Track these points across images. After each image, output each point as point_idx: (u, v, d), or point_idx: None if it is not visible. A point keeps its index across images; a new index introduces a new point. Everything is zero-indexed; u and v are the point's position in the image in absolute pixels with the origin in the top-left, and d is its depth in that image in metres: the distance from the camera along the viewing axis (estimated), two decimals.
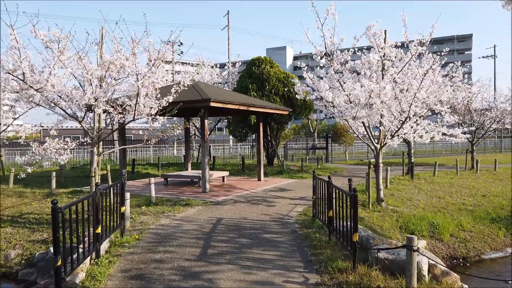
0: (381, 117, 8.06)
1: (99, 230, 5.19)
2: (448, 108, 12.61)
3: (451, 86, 10.59)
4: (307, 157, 22.21)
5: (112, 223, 6.02)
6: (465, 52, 72.25)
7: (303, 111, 17.21)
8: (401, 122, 7.91)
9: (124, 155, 12.68)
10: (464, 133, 10.86)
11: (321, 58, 8.33)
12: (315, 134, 35.08)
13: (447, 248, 7.83)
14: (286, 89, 16.93)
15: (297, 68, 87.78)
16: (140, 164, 20.53)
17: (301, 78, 11.43)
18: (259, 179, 13.79)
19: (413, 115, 7.88)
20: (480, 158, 25.93)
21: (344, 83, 8.35)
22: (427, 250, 7.20)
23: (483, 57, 48.07)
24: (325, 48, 8.29)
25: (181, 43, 47.03)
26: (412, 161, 14.61)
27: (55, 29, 7.10)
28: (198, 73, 17.65)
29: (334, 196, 5.91)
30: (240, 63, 20.55)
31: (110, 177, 8.64)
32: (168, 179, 13.25)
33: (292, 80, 16.77)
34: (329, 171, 17.30)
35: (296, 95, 10.52)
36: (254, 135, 24.67)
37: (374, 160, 9.85)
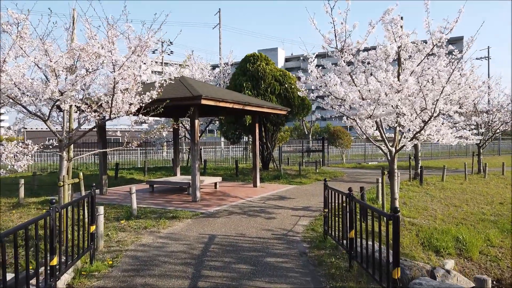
0: (397, 116, 6.95)
1: (55, 262, 3.94)
2: (459, 108, 11.62)
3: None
4: (304, 161, 21.07)
5: (78, 246, 4.78)
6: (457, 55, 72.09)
7: (301, 111, 16.09)
8: (423, 121, 6.79)
9: (104, 159, 11.39)
10: (475, 134, 9.82)
11: (333, 53, 7.19)
12: (310, 136, 34.00)
13: (479, 268, 6.72)
14: (282, 88, 15.78)
15: (289, 69, 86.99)
16: (125, 168, 19.16)
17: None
18: (255, 185, 12.59)
19: (438, 113, 6.77)
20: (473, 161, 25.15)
21: (352, 79, 7.24)
22: (457, 272, 6.10)
23: (476, 58, 47.66)
24: (335, 36, 7.14)
25: (171, 43, 45.80)
26: (421, 165, 13.53)
27: (12, 10, 5.85)
28: (186, 64, 16.29)
29: (355, 212, 4.75)
30: (232, 61, 19.32)
31: (83, 186, 7.39)
32: (154, 186, 11.97)
33: (294, 75, 15.66)
34: (328, 175, 16.19)
35: (298, 92, 9.35)
36: (246, 137, 23.46)
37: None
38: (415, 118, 6.88)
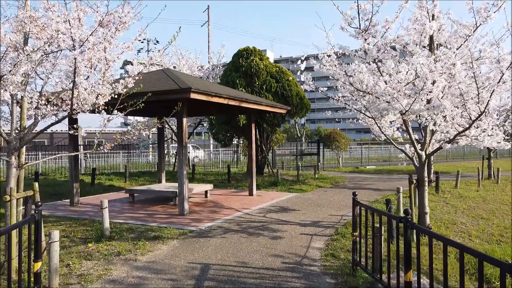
0: (441, 112, 5.59)
1: None
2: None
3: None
4: (300, 164, 19.67)
5: None
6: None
7: (300, 110, 14.69)
8: (470, 118, 5.44)
9: (76, 164, 9.75)
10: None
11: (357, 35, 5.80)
12: (303, 139, 32.71)
13: None
14: (279, 85, 14.36)
15: None
16: (104, 173, 17.44)
17: None
18: (251, 194, 11.11)
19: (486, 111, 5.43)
20: (477, 164, 24.10)
21: (378, 68, 5.88)
22: None
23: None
24: (358, 14, 5.76)
25: (157, 41, 44.05)
26: (435, 170, 12.23)
27: None
28: (174, 39, 14.62)
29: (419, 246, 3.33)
30: (223, 55, 17.86)
31: (38, 199, 5.84)
32: (135, 195, 10.37)
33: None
34: (329, 181, 14.82)
35: (304, 86, 7.92)
36: (237, 140, 21.97)
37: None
38: (460, 114, 5.53)
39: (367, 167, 22.80)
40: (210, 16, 33.44)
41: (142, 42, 47.08)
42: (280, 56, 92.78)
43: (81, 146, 18.39)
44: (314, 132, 55.94)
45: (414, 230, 3.58)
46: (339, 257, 5.39)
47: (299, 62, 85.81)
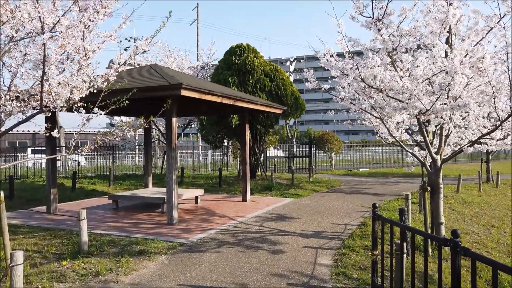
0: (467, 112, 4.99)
1: None
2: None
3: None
4: (293, 167, 19.04)
5: None
6: None
7: (295, 111, 14.05)
8: (499, 119, 4.85)
9: (53, 168, 8.89)
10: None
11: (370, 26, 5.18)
12: (294, 141, 32.14)
13: None
14: (273, 84, 13.70)
15: None
16: (87, 176, 16.49)
17: None
18: (245, 200, 10.40)
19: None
20: (470, 167, 23.92)
21: (392, 62, 5.28)
22: None
23: None
24: (372, 1, 5.13)
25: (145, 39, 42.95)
26: None
27: None
28: (163, 25, 13.78)
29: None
30: (214, 52, 17.11)
31: (4, 212, 5.00)
32: (119, 201, 9.54)
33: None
34: (324, 184, 14.20)
35: (306, 83, 7.30)
36: (227, 141, 21.23)
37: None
38: (485, 114, 4.94)
39: (360, 169, 22.32)
40: (199, 15, 32.62)
41: (129, 41, 46.02)
42: (269, 57, 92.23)
43: (64, 148, 17.43)
44: (304, 133, 55.49)
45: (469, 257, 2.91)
46: (352, 277, 4.72)
47: (288, 63, 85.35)
